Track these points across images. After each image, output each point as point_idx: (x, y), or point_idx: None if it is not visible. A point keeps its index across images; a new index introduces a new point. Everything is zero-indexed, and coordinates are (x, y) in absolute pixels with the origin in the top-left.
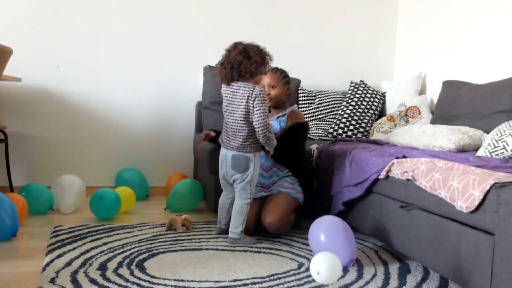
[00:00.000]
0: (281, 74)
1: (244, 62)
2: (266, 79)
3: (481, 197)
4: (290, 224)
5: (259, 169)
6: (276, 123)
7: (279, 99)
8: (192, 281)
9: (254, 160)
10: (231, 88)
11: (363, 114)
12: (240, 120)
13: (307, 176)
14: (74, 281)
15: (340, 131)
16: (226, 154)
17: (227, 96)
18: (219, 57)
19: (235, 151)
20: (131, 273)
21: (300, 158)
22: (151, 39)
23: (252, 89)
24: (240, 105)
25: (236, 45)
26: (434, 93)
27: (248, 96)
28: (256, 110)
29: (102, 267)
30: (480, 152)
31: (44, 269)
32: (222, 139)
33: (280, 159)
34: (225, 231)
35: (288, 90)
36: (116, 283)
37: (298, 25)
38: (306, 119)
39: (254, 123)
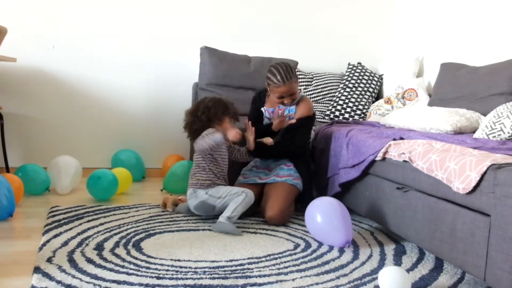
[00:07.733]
0: (296, 78)
1: (195, 123)
2: (286, 91)
3: (477, 179)
4: (290, 215)
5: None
6: (286, 111)
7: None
8: (189, 260)
9: (209, 193)
10: None
11: (360, 96)
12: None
13: (306, 162)
14: (71, 260)
15: (337, 113)
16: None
17: None
18: (216, 38)
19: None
20: (128, 253)
21: (302, 149)
22: (147, 20)
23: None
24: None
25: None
26: (431, 75)
27: None
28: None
29: (99, 247)
30: (477, 134)
31: (41, 248)
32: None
33: (280, 156)
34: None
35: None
36: (113, 263)
37: (296, 6)
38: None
39: None
